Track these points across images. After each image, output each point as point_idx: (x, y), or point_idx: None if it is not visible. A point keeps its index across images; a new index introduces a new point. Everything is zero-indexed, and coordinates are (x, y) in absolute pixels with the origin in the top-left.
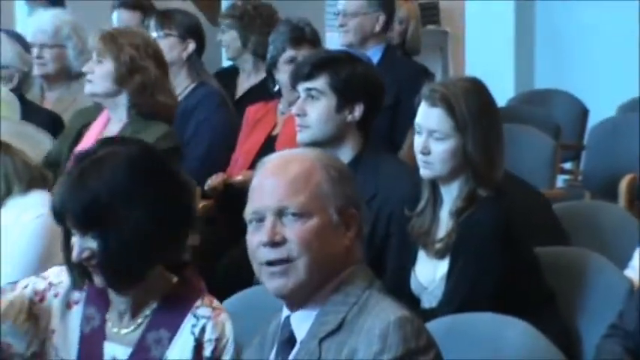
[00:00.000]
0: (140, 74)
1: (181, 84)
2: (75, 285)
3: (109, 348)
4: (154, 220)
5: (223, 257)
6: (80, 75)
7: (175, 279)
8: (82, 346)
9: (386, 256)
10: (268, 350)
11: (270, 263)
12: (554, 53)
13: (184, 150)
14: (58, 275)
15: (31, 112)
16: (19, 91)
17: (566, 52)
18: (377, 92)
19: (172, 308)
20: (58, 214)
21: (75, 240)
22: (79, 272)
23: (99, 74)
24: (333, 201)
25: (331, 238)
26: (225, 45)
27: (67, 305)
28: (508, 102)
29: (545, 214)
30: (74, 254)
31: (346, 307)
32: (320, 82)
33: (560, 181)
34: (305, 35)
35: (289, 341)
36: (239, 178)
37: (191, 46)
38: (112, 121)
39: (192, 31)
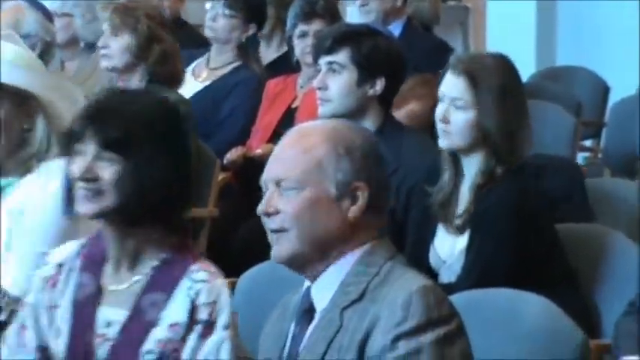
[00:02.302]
0: (159, 44)
1: (224, 60)
2: (66, 209)
3: (104, 312)
4: (172, 166)
5: (242, 230)
6: (94, 46)
7: (173, 242)
8: (75, 314)
9: (406, 230)
10: (288, 321)
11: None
12: (576, 30)
13: (216, 130)
14: (65, 256)
15: None
16: (41, 60)
17: (588, 28)
18: (398, 66)
19: (169, 271)
20: (78, 132)
21: (85, 160)
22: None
23: (116, 48)
24: (333, 175)
25: (325, 211)
26: None
27: (68, 279)
28: (529, 79)
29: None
30: (81, 170)
31: (368, 277)
32: (341, 56)
33: (580, 158)
34: (316, 10)
35: (309, 311)
36: (258, 151)
37: (252, 30)
38: None
39: (256, 15)
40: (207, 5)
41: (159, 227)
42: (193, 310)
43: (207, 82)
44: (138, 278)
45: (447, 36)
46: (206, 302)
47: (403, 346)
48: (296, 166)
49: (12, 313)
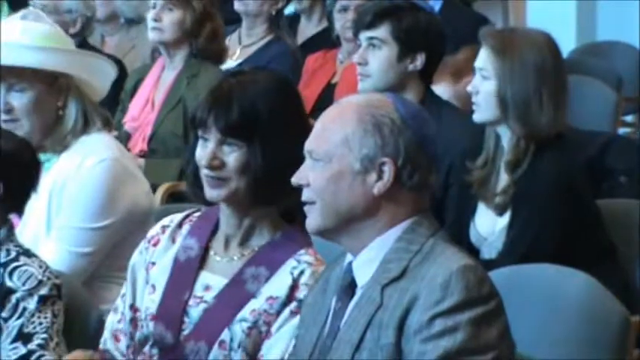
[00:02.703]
0: (210, 22)
1: (257, 34)
2: (195, 195)
3: (204, 276)
4: (293, 147)
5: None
6: (134, 21)
7: (285, 227)
8: (174, 272)
9: (445, 207)
10: (330, 296)
11: None
12: (617, 4)
13: None
14: (170, 217)
15: None
16: (81, 36)
17: (628, 3)
18: (438, 42)
19: (277, 250)
20: (201, 119)
21: (209, 147)
22: (197, 184)
23: (169, 22)
24: (358, 149)
25: (348, 186)
26: None
27: (172, 240)
28: (570, 54)
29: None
30: (206, 157)
31: (409, 254)
32: (382, 31)
33: (621, 133)
34: None
35: (350, 287)
36: None
37: (281, 3)
38: (167, 69)
39: None
40: None
41: (274, 209)
42: (294, 287)
43: (240, 60)
44: (244, 253)
45: (487, 12)
46: (307, 283)
47: (439, 324)
48: (325, 139)
49: (53, 287)
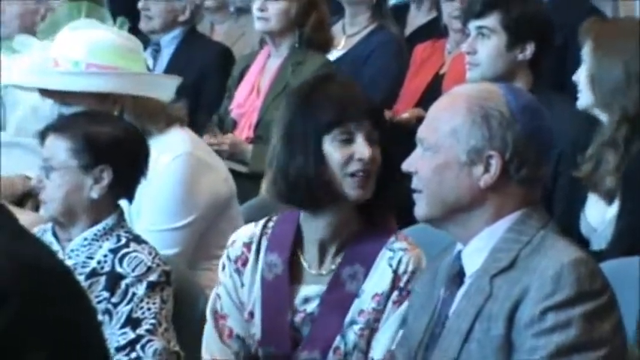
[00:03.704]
0: (316, 11)
1: (360, 23)
2: (289, 200)
3: (300, 290)
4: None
5: (392, 192)
6: (243, 9)
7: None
8: (265, 293)
9: (555, 197)
10: (439, 285)
11: None
12: None
13: None
14: (247, 233)
15: (201, 45)
16: (190, 24)
17: None
18: (548, 31)
19: (366, 244)
20: (343, 117)
21: (364, 143)
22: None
23: (274, 12)
24: (466, 141)
25: (454, 177)
26: None
27: (257, 257)
28: None
29: None
30: (367, 156)
31: (519, 245)
32: (491, 20)
33: None
34: None
35: (458, 275)
36: (405, 115)
37: None
38: (272, 57)
39: None
40: None
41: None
42: (395, 278)
43: (345, 50)
44: (335, 256)
45: (597, 2)
46: (407, 270)
47: (551, 319)
48: (434, 128)
49: (162, 274)
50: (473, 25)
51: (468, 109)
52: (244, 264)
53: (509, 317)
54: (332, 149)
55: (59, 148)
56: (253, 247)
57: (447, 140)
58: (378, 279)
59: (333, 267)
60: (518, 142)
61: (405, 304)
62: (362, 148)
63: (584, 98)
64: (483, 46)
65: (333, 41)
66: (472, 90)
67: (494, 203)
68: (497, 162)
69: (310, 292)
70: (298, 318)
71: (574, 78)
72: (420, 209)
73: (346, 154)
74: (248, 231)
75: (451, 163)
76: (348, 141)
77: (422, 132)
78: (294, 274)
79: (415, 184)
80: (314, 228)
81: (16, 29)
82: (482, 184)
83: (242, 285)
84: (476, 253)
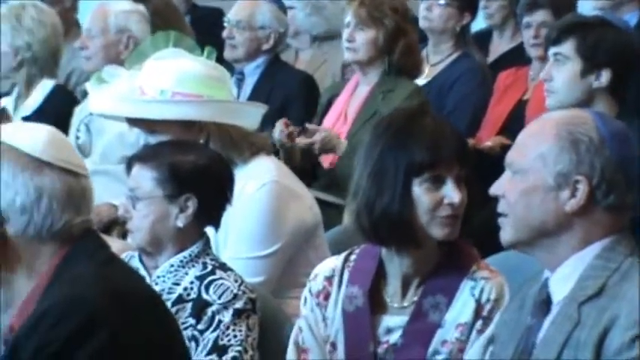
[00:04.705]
0: (404, 37)
1: (444, 52)
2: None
3: (381, 320)
4: None
5: (474, 220)
6: (326, 37)
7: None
8: (347, 325)
9: None
10: (526, 313)
11: None
12: None
13: None
14: (329, 266)
15: (285, 73)
16: (274, 52)
17: None
18: (627, 57)
19: (447, 275)
20: (435, 158)
21: (454, 186)
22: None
23: (362, 42)
24: (553, 165)
25: (540, 201)
26: (490, 14)
27: (339, 290)
28: None
29: None
30: (458, 199)
31: (607, 272)
32: (566, 47)
33: None
34: (538, 1)
35: (545, 303)
36: (488, 144)
37: (466, 19)
38: (361, 84)
39: (470, 4)
40: None
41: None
42: (478, 308)
43: (429, 79)
44: (417, 287)
45: None
46: (490, 299)
47: None
48: (523, 153)
49: (248, 301)
50: (551, 51)
51: (557, 134)
52: (326, 298)
53: (597, 345)
54: (421, 192)
55: (145, 178)
56: (335, 280)
57: (534, 164)
58: (460, 309)
59: (415, 298)
60: (606, 168)
61: (489, 331)
62: (452, 193)
63: None
64: (559, 72)
65: (422, 65)
66: (562, 115)
67: (581, 229)
68: (584, 187)
69: (392, 322)
70: (381, 349)
71: None
72: (506, 233)
73: (436, 199)
74: (330, 265)
75: (538, 187)
76: (438, 184)
77: (511, 156)
78: (374, 305)
79: (501, 207)
80: (397, 263)
81: (101, 62)
82: (569, 208)
83: (323, 319)
84: (563, 280)
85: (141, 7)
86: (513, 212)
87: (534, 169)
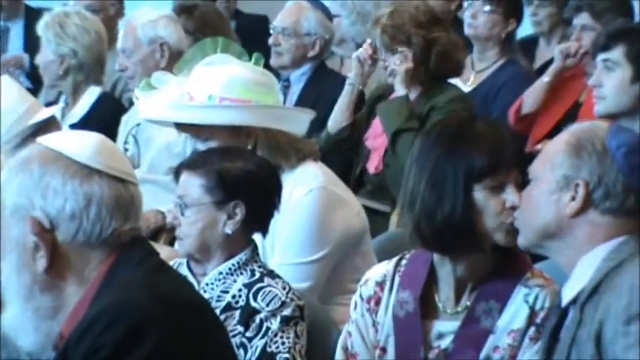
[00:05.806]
0: (435, 46)
1: (489, 58)
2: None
3: (433, 326)
4: None
5: None
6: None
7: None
8: (398, 330)
9: None
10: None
11: None
12: None
13: None
14: (380, 272)
15: (330, 79)
16: (319, 59)
17: None
18: None
19: (500, 281)
20: (495, 164)
21: (514, 190)
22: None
23: (395, 65)
24: (558, 169)
25: (543, 204)
26: (538, 21)
27: (390, 295)
28: None
29: None
30: (515, 203)
31: (605, 270)
32: (615, 53)
33: None
34: (581, 6)
35: (558, 307)
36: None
37: (512, 26)
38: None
39: (515, 10)
40: (466, 3)
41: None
42: (532, 315)
43: (474, 86)
44: (470, 292)
45: None
46: (544, 307)
47: (635, 330)
48: (539, 160)
49: (296, 309)
50: (599, 58)
51: (566, 141)
52: (377, 303)
53: (596, 340)
54: (482, 197)
55: (193, 185)
56: (386, 285)
57: (543, 169)
58: (513, 315)
59: (468, 303)
60: (605, 174)
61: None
62: (513, 197)
63: None
64: (608, 79)
65: (462, 64)
66: (582, 125)
67: (582, 231)
68: (582, 191)
69: (444, 328)
70: (432, 354)
71: None
72: (519, 237)
73: (499, 204)
74: (381, 270)
75: (543, 190)
76: (499, 189)
77: (532, 165)
78: (426, 310)
79: (515, 212)
80: (449, 269)
81: (141, 75)
82: (568, 211)
83: (373, 324)
84: (572, 283)
85: (166, 11)
86: (520, 216)
87: (543, 175)
